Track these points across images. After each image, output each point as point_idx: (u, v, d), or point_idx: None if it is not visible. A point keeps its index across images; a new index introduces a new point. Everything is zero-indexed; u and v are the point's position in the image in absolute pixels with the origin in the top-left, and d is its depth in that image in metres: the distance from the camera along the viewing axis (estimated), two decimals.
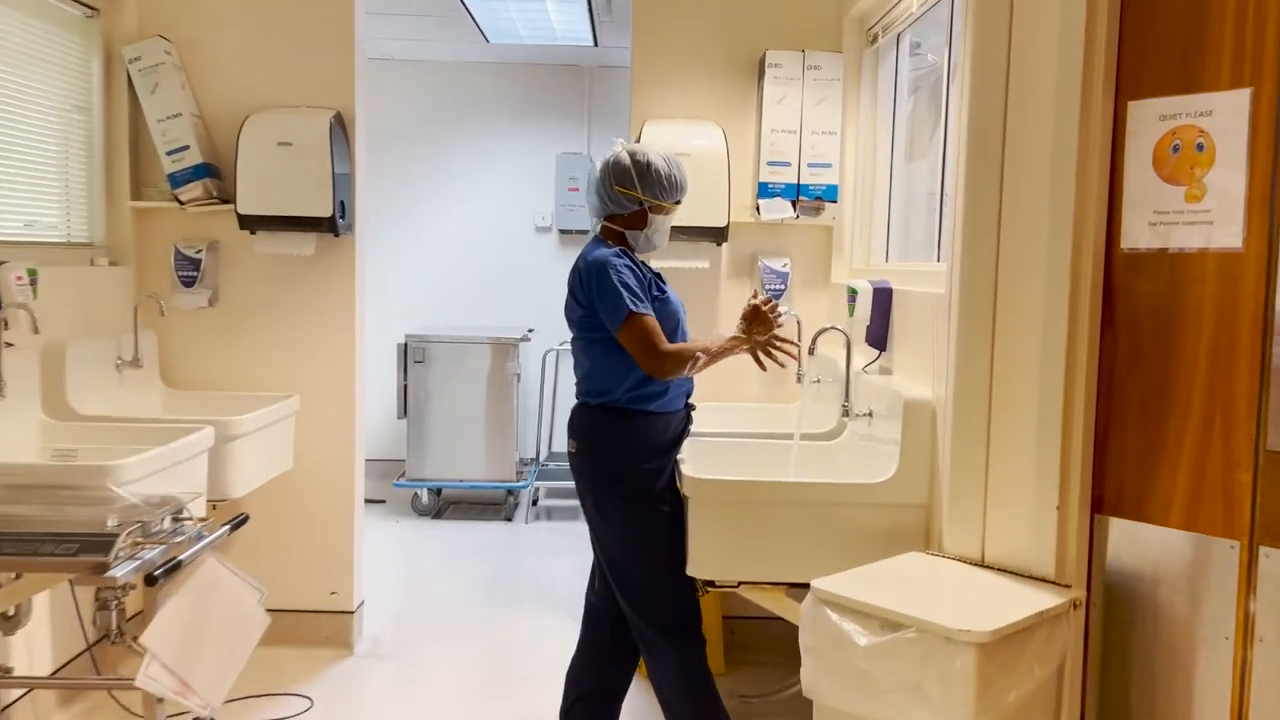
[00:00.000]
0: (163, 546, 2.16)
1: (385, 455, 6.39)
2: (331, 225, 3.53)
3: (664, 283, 2.82)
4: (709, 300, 3.82)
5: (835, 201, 3.68)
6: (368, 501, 6.08)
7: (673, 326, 2.67)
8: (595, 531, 2.73)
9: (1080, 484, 2.17)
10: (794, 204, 3.68)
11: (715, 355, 2.62)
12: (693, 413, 2.84)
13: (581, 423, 2.72)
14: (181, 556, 2.14)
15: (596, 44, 5.78)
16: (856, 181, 3.75)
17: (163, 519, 2.25)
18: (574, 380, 2.80)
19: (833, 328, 2.81)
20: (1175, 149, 2.07)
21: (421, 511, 5.83)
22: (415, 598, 4.49)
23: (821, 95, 3.66)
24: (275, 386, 3.72)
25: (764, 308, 2.64)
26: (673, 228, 3.62)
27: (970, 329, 2.30)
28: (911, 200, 3.73)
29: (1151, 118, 2.10)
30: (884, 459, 2.61)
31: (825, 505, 2.50)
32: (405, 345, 5.69)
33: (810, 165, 3.68)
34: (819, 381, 3.47)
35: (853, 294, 2.94)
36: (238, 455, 3.18)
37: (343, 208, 3.58)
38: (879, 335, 2.94)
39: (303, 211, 3.51)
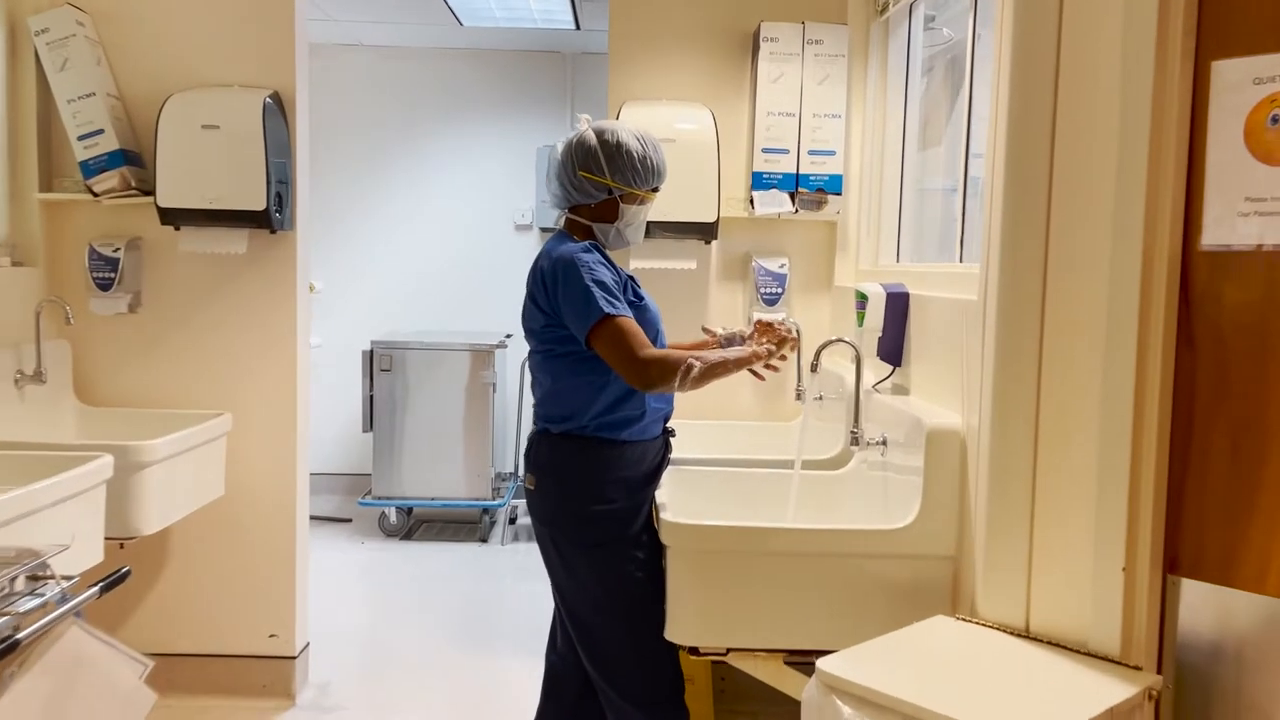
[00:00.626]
0: (5, 618, 1.72)
1: (353, 469, 5.95)
2: (266, 220, 3.10)
3: (639, 288, 2.39)
4: (696, 306, 3.39)
5: (839, 194, 3.25)
6: (333, 520, 5.69)
7: (651, 336, 2.24)
8: (557, 582, 2.30)
9: (1151, 539, 1.74)
10: (792, 197, 3.25)
11: (723, 367, 2.18)
12: (672, 438, 2.41)
13: (540, 453, 2.29)
14: (23, 632, 1.70)
15: (578, 27, 5.35)
16: (863, 171, 3.33)
17: (12, 579, 1.81)
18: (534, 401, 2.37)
19: (839, 340, 2.38)
20: (1275, 120, 1.65)
21: (390, 532, 5.38)
22: (375, 634, 4.05)
23: (824, 73, 3.23)
24: (206, 402, 3.28)
25: (779, 328, 2.31)
26: (654, 224, 3.20)
27: (1011, 344, 1.88)
28: (925, 193, 3.30)
29: (1243, 81, 1.67)
30: (901, 499, 2.18)
31: (832, 557, 2.07)
32: (371, 352, 5.26)
33: (811, 153, 3.25)
34: (820, 398, 3.04)
35: (862, 299, 2.51)
36: (149, 485, 2.74)
37: (280, 200, 3.14)
38: (893, 348, 2.51)
39: (232, 204, 3.07)
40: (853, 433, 2.34)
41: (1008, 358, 1.88)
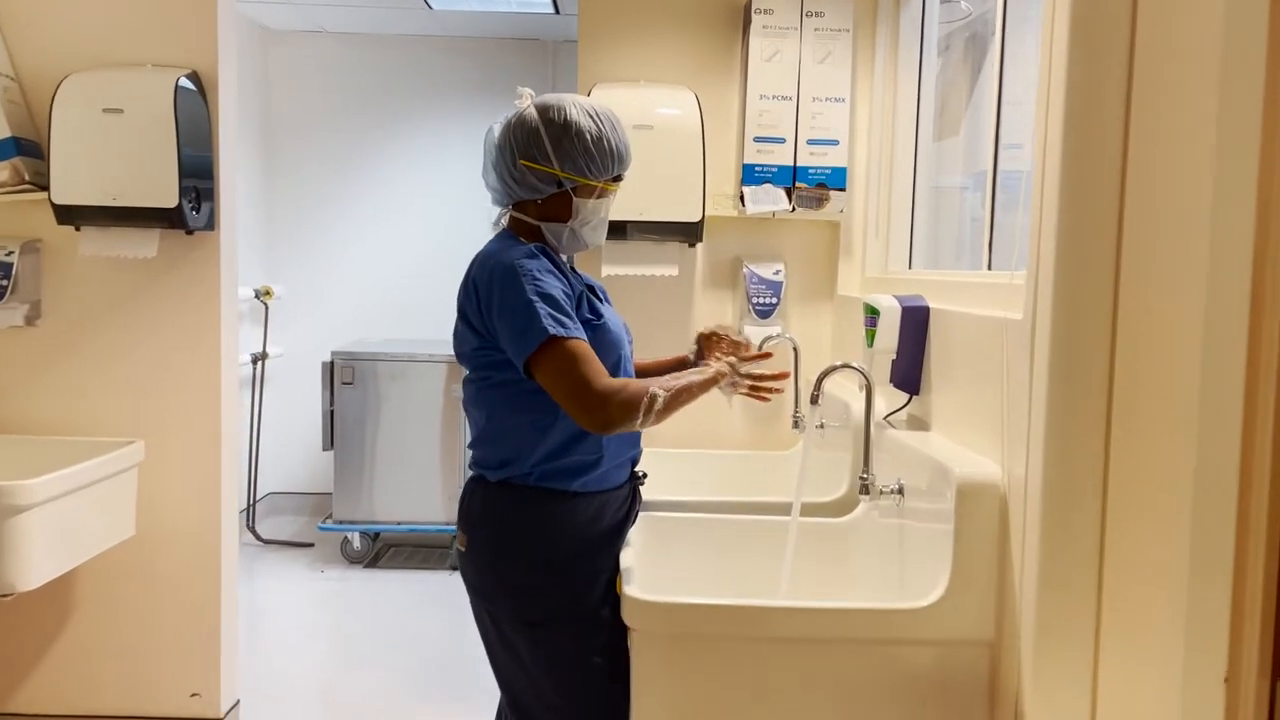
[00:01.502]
0: None
1: (317, 488, 5.52)
2: (180, 219, 2.67)
3: (602, 298, 1.97)
4: (678, 319, 2.98)
5: (843, 189, 2.83)
6: (292, 545, 5.25)
7: (611, 363, 1.83)
8: (498, 667, 1.87)
9: (1260, 640, 1.32)
10: (789, 193, 2.83)
11: (687, 393, 1.79)
12: (642, 484, 1.99)
13: (473, 507, 1.86)
14: None
15: (558, 11, 4.93)
16: (871, 164, 2.90)
17: None
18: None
19: (844, 366, 1.95)
20: None
21: (353, 558, 4.95)
22: (324, 684, 3.61)
23: (825, 51, 2.81)
24: (116, 428, 2.86)
25: (720, 331, 1.99)
26: (630, 225, 2.78)
27: (1072, 374, 1.46)
28: (941, 191, 2.88)
29: None
30: (924, 564, 1.76)
31: (840, 643, 1.64)
32: (331, 364, 4.83)
33: (811, 143, 2.83)
34: (822, 426, 2.62)
35: (872, 315, 2.09)
36: (26, 533, 2.31)
37: (196, 197, 2.72)
38: (909, 373, 2.09)
39: (138, 201, 2.65)
40: (862, 479, 1.92)
41: (1067, 392, 1.46)
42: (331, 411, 4.84)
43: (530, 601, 1.79)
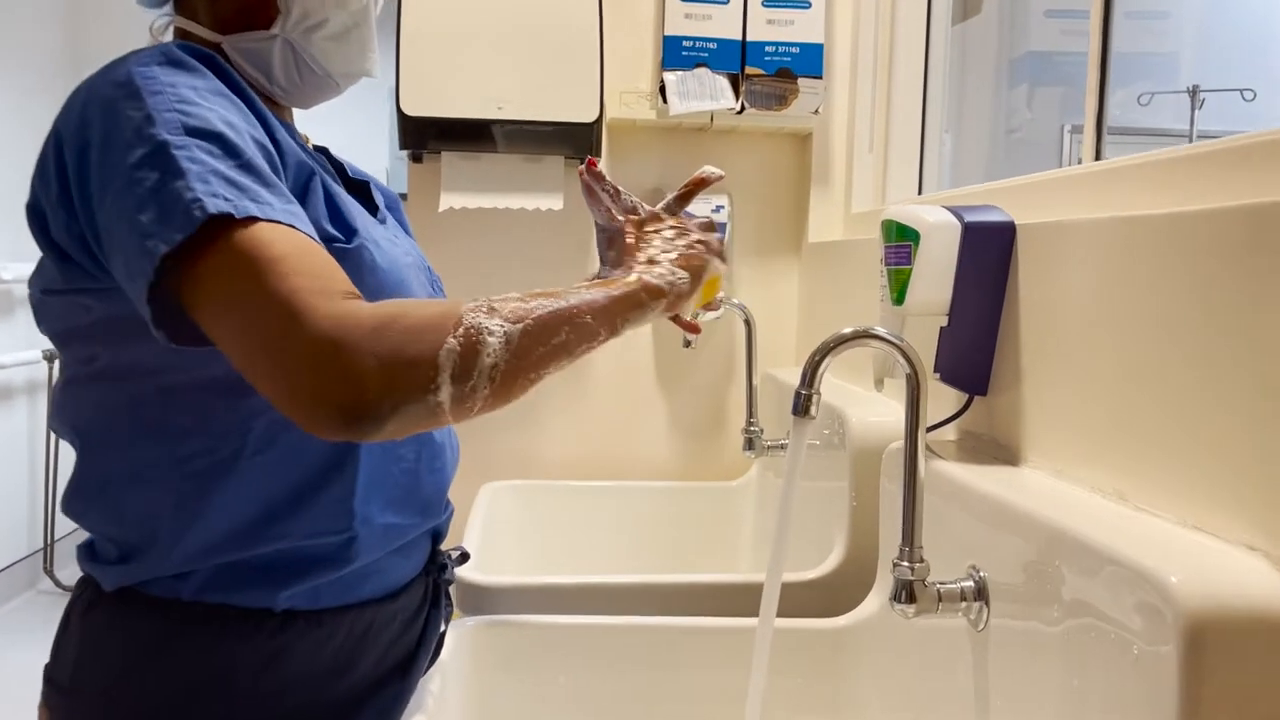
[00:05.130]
0: None
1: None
2: None
3: (383, 209, 0.98)
4: (563, 279, 1.94)
5: (819, 78, 1.83)
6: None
7: (385, 293, 0.85)
8: None
9: None
10: (735, 83, 1.83)
11: (576, 325, 0.78)
12: (448, 577, 0.98)
13: (65, 647, 0.85)
14: None
15: None
16: (860, 42, 1.91)
17: None
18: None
19: (865, 335, 0.94)
20: None
21: None
22: None
23: None
24: None
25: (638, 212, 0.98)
26: (485, 126, 1.77)
27: None
28: (965, 88, 1.90)
29: None
30: None
31: None
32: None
33: (769, 4, 1.83)
34: (816, 442, 1.62)
35: (902, 241, 1.08)
36: None
37: None
38: (973, 355, 1.09)
39: None
40: (905, 572, 0.91)
41: None
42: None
43: None
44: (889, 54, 1.86)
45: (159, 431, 0.80)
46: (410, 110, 1.72)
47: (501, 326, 0.71)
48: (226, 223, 0.70)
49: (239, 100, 0.79)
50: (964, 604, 0.93)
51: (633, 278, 0.85)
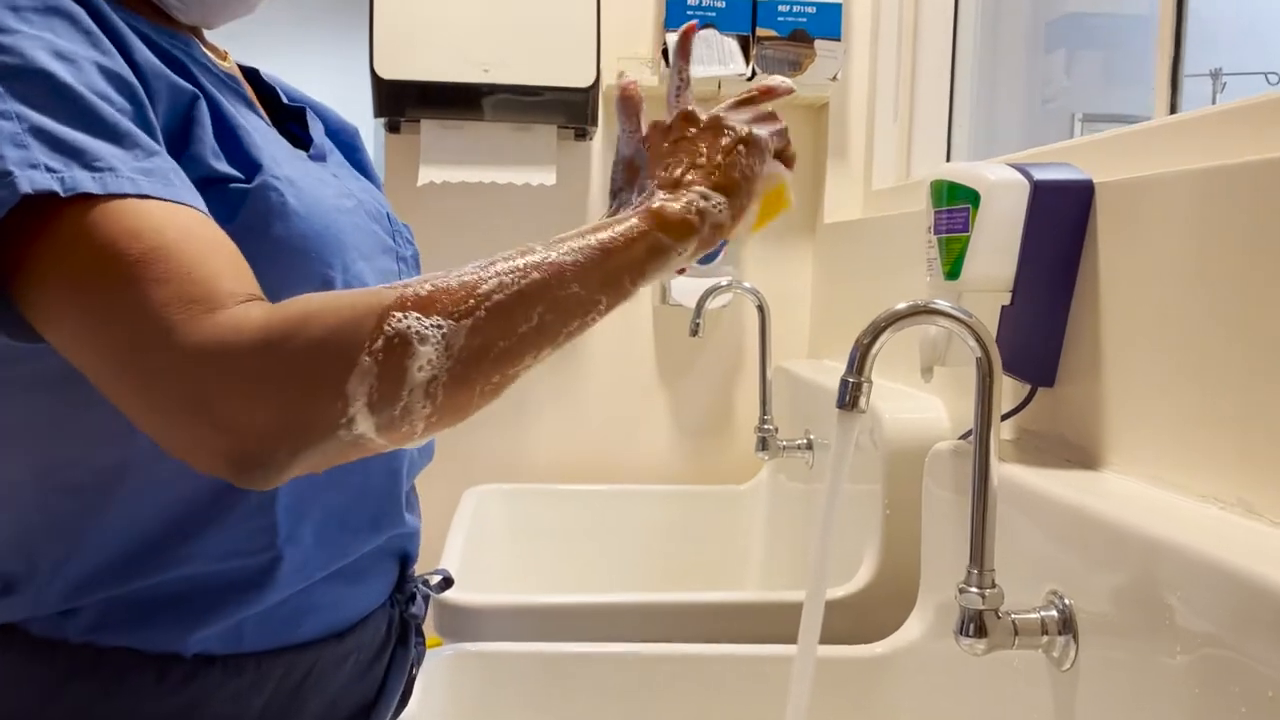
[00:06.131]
0: None
1: None
2: None
3: (315, 147, 0.79)
4: None
5: (837, 39, 1.66)
6: None
7: (304, 248, 0.66)
8: None
9: None
10: (745, 46, 1.67)
11: (555, 300, 0.59)
12: (417, 612, 0.80)
13: None
14: None
15: None
16: (881, 2, 1.74)
17: None
18: None
19: (926, 310, 0.77)
20: None
21: None
22: None
23: None
24: None
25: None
26: (472, 90, 1.60)
27: None
28: (998, 52, 1.74)
29: None
30: None
31: None
32: None
33: None
34: (804, 446, 1.48)
35: (957, 201, 0.92)
36: None
37: None
38: (1040, 339, 0.92)
39: None
40: (974, 599, 0.74)
41: None
42: None
43: None
44: (914, 14, 1.69)
45: (16, 437, 0.63)
46: (385, 73, 1.55)
47: (438, 328, 0.54)
48: (53, 199, 0.53)
49: (81, 11, 0.60)
50: (1045, 638, 0.77)
51: (642, 213, 0.64)
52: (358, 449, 0.54)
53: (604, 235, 0.61)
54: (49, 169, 0.53)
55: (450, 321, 0.54)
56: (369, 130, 4.34)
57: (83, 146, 0.54)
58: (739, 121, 0.71)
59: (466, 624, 1.13)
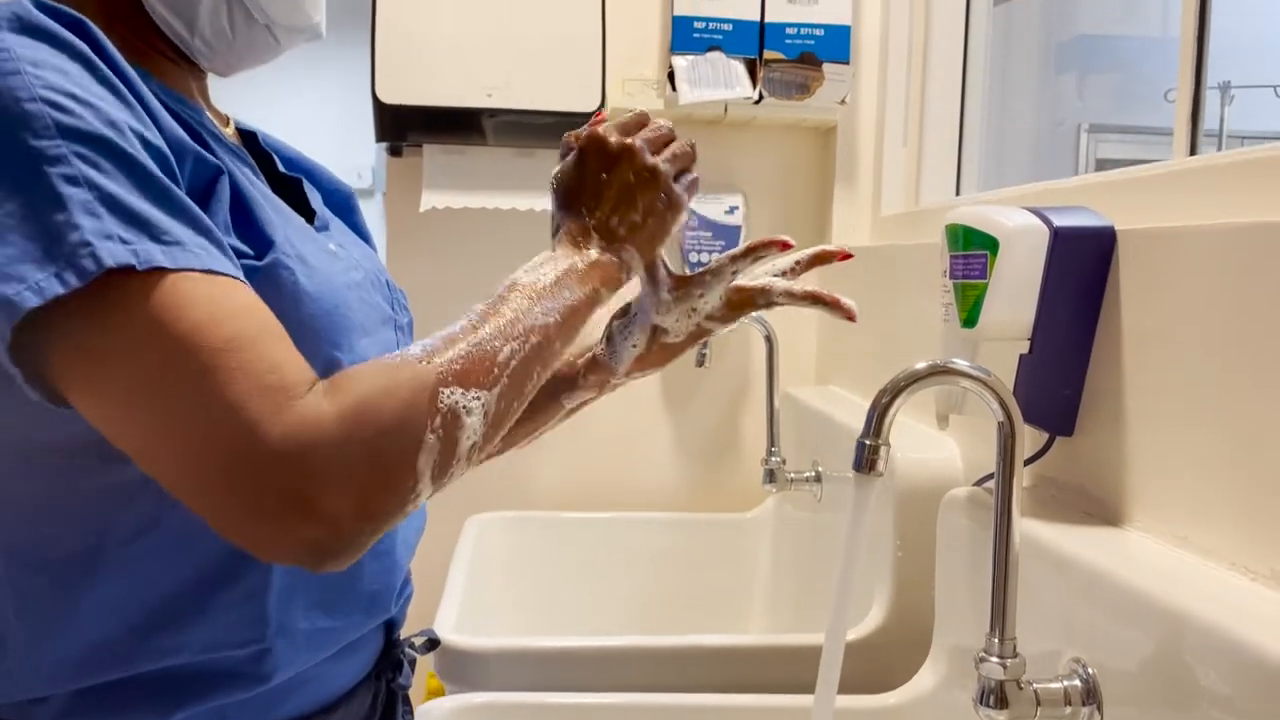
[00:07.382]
0: None
1: None
2: None
3: (318, 217, 0.77)
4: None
5: (845, 63, 1.64)
6: None
7: (315, 327, 0.64)
8: None
9: None
10: (752, 69, 1.64)
11: (537, 362, 0.65)
12: (399, 680, 0.78)
13: None
14: None
15: None
16: (891, 25, 1.71)
17: None
18: None
19: (944, 370, 0.75)
20: None
21: None
22: None
23: None
24: None
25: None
26: (473, 115, 1.58)
27: None
28: (1009, 70, 1.71)
29: None
30: None
31: None
32: None
33: None
34: (812, 479, 1.45)
35: (971, 250, 0.90)
36: None
37: None
38: (1059, 387, 0.90)
39: None
40: (994, 669, 0.72)
41: None
42: None
43: None
44: (924, 36, 1.67)
45: (37, 510, 0.61)
46: (387, 98, 1.52)
47: (479, 399, 0.59)
48: (123, 273, 0.51)
49: (118, 81, 0.58)
50: (1068, 709, 0.74)
51: (589, 267, 0.71)
52: (402, 519, 0.57)
53: (569, 297, 0.67)
54: (123, 239, 0.51)
55: (485, 393, 0.59)
56: (370, 153, 4.28)
57: (148, 218, 0.53)
58: (666, 170, 0.77)
59: (467, 668, 1.10)
